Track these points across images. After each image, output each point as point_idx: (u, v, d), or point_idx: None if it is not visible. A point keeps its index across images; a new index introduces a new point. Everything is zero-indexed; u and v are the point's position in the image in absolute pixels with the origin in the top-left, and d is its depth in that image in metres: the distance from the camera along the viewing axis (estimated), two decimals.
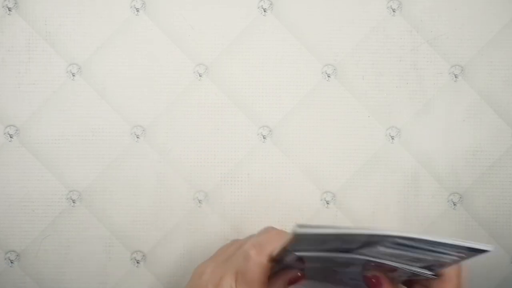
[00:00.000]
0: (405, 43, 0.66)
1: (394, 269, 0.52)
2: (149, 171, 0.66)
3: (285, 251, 0.49)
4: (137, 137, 0.66)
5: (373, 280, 0.53)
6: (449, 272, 0.52)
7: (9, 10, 0.66)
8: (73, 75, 0.66)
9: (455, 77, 0.67)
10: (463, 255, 0.48)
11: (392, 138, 0.67)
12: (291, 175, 0.67)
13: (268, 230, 0.56)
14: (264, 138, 0.67)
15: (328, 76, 0.67)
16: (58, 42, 0.66)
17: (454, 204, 0.67)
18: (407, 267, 0.51)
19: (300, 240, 0.46)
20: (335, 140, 0.66)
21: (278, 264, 0.52)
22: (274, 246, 0.51)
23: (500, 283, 0.67)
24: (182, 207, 0.67)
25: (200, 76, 0.66)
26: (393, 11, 0.66)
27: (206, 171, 0.67)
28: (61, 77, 0.66)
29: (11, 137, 0.65)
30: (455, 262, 0.50)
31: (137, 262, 0.67)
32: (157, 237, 0.67)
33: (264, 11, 0.66)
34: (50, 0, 0.66)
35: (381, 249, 0.48)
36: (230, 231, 0.67)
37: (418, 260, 0.50)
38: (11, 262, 0.66)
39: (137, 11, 0.66)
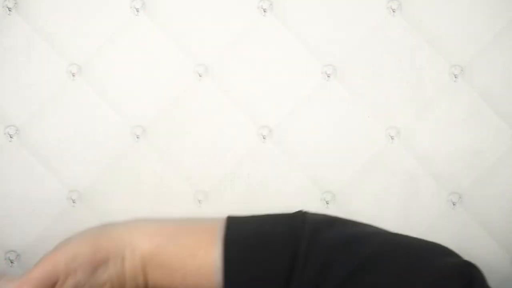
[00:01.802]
0: (405, 43, 0.66)
1: None
2: (149, 171, 0.66)
3: None
4: (137, 137, 0.66)
5: None
6: None
7: (9, 10, 0.66)
8: (73, 75, 0.66)
9: (455, 77, 0.67)
10: None
11: (392, 138, 0.67)
12: (291, 175, 0.67)
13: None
14: (264, 138, 0.67)
15: (328, 76, 0.67)
16: (58, 42, 0.66)
17: (454, 204, 0.67)
18: None
19: None
20: (335, 140, 0.66)
21: None
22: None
23: (500, 283, 0.67)
24: (182, 207, 0.67)
25: (200, 76, 0.66)
26: (393, 11, 0.66)
27: (206, 171, 0.67)
28: (61, 77, 0.66)
29: (11, 137, 0.65)
30: None
31: None
32: None
33: (264, 11, 0.66)
34: (50, 0, 0.66)
35: None
36: None
37: None
38: (11, 262, 0.66)
39: (137, 11, 0.66)
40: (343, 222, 0.52)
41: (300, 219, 0.50)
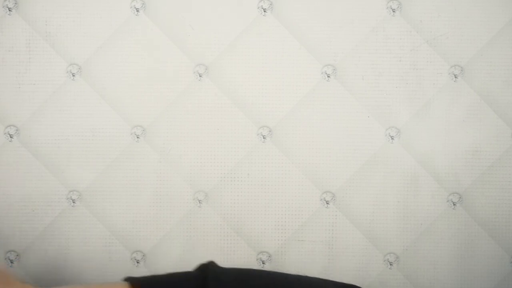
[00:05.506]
0: (405, 43, 0.67)
1: None
2: (149, 171, 0.66)
3: None
4: (137, 137, 0.66)
5: None
6: None
7: (9, 10, 0.66)
8: (73, 75, 0.66)
9: (455, 77, 0.67)
10: None
11: (392, 138, 0.67)
12: (291, 175, 0.67)
13: None
14: (264, 138, 0.67)
15: (328, 76, 0.67)
16: (58, 42, 0.66)
17: (454, 204, 0.67)
18: None
19: None
20: (335, 140, 0.67)
21: None
22: None
23: (500, 283, 0.67)
24: (182, 207, 0.67)
25: (200, 76, 0.67)
26: (393, 12, 0.66)
27: (206, 171, 0.67)
28: (61, 77, 0.66)
29: (11, 137, 0.66)
30: None
31: (137, 262, 0.67)
32: (157, 237, 0.67)
33: (264, 11, 0.67)
34: (50, 0, 0.66)
35: None
36: (230, 231, 0.67)
37: None
38: (11, 262, 0.66)
39: (137, 11, 0.66)
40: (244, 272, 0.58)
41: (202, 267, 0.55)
